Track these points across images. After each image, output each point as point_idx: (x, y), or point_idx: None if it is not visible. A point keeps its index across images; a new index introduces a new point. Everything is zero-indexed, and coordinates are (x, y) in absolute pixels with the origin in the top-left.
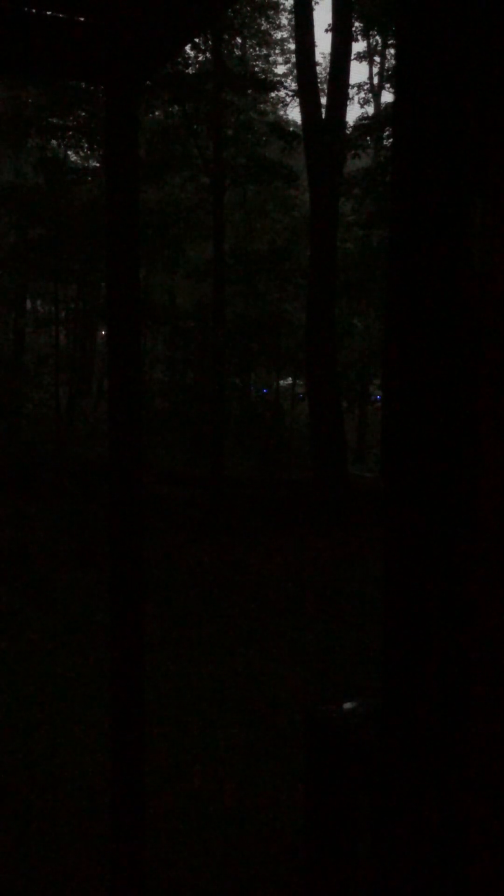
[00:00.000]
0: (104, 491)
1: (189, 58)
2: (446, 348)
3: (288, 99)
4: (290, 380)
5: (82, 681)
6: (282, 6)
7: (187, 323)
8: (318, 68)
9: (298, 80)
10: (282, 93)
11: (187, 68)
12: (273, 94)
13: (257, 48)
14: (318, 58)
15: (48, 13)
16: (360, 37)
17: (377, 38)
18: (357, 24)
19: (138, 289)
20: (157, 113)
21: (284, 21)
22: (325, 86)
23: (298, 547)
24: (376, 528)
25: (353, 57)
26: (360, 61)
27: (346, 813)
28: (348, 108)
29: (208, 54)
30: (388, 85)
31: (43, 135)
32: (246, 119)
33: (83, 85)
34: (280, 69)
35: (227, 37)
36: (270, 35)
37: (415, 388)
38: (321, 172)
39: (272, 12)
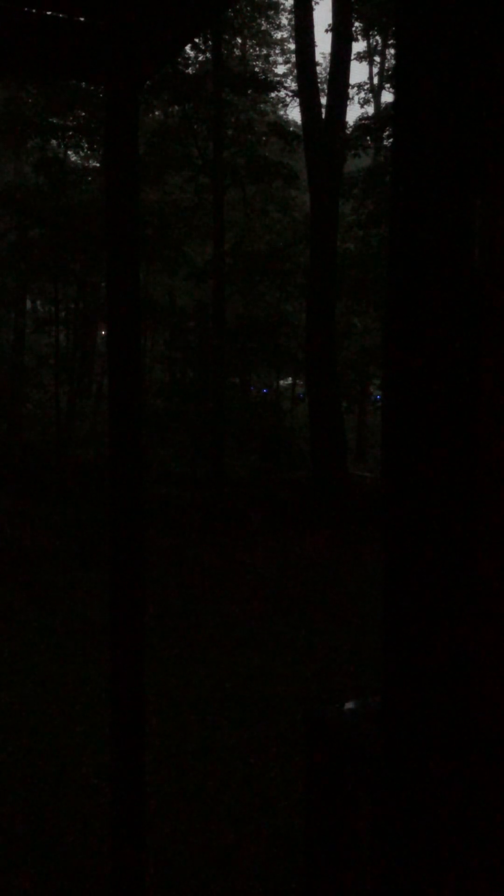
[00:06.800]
0: (104, 491)
1: (189, 58)
2: (447, 348)
3: (288, 99)
4: (290, 380)
5: (82, 681)
6: (282, 6)
7: (187, 323)
8: (318, 68)
9: (298, 80)
10: (282, 93)
11: (187, 68)
12: (273, 94)
13: (257, 48)
14: (318, 58)
15: (48, 13)
16: (360, 37)
17: (377, 38)
18: (357, 24)
19: (138, 289)
20: (157, 113)
21: (284, 21)
22: (325, 86)
23: (298, 547)
24: (376, 528)
25: (353, 57)
26: (360, 61)
27: (346, 813)
28: (348, 108)
29: (208, 54)
30: (388, 85)
31: (43, 135)
32: (246, 119)
33: (83, 85)
34: (280, 69)
35: (227, 37)
36: (270, 35)
37: (415, 387)
38: (321, 172)
39: (272, 12)
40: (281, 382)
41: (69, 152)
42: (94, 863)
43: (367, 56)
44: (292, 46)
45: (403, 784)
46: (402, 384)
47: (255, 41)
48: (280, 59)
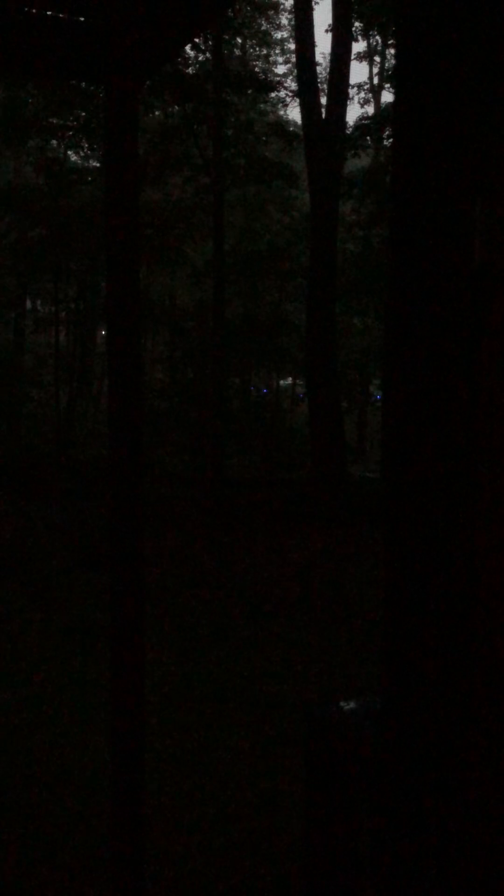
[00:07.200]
0: (104, 491)
1: (189, 58)
2: (446, 348)
3: (288, 99)
4: (290, 380)
5: (82, 681)
6: (282, 6)
7: (187, 323)
8: (318, 68)
9: (298, 80)
10: (282, 93)
11: (187, 68)
12: (273, 94)
13: (257, 48)
14: (318, 58)
15: (48, 13)
16: (360, 37)
17: (377, 38)
18: (357, 24)
19: (138, 289)
20: (157, 113)
21: (284, 21)
22: (325, 86)
23: (298, 547)
24: (376, 528)
25: (353, 57)
26: (360, 61)
27: (346, 813)
28: (348, 108)
29: (208, 54)
30: (388, 85)
31: (43, 135)
32: (246, 119)
33: (83, 85)
34: (280, 69)
35: (227, 37)
36: (270, 35)
37: (415, 387)
38: (321, 172)
39: (272, 12)
40: (281, 382)
41: (69, 152)
42: (95, 863)
43: (367, 56)
44: (292, 46)
45: (403, 784)
46: (401, 383)
47: (255, 41)
48: (280, 59)
